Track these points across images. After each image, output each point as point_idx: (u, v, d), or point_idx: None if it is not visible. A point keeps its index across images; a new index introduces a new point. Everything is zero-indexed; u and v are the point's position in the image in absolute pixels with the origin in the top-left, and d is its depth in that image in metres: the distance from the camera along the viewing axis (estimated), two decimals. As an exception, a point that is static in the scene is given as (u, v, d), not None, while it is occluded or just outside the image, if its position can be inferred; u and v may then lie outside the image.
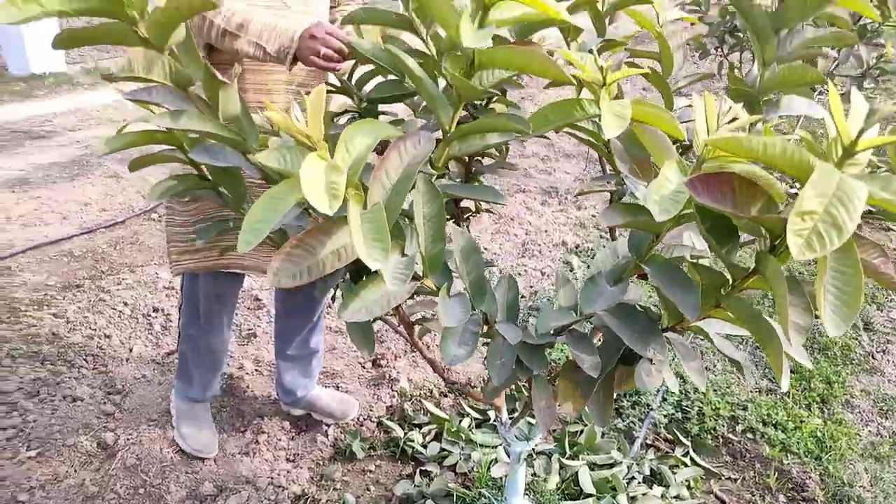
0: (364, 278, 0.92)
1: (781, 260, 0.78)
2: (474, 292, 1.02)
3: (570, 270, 3.21)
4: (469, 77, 0.92)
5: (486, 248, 3.36)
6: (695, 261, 0.92)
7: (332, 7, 1.73)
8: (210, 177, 1.11)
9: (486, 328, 1.02)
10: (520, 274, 3.14)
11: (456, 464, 1.94)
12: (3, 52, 7.03)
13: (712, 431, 2.16)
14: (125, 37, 0.83)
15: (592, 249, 3.44)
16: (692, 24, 1.79)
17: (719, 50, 4.38)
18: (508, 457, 1.91)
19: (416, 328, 1.21)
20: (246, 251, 0.72)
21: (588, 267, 3.23)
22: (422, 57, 1.10)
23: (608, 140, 1.07)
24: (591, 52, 1.43)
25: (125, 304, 2.67)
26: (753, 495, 1.94)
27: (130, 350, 2.40)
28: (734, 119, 0.86)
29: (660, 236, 0.91)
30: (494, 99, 1.18)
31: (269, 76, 1.58)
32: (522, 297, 2.93)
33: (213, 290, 1.81)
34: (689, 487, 1.93)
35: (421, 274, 0.95)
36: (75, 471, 1.86)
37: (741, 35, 3.65)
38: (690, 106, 1.72)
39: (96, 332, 2.47)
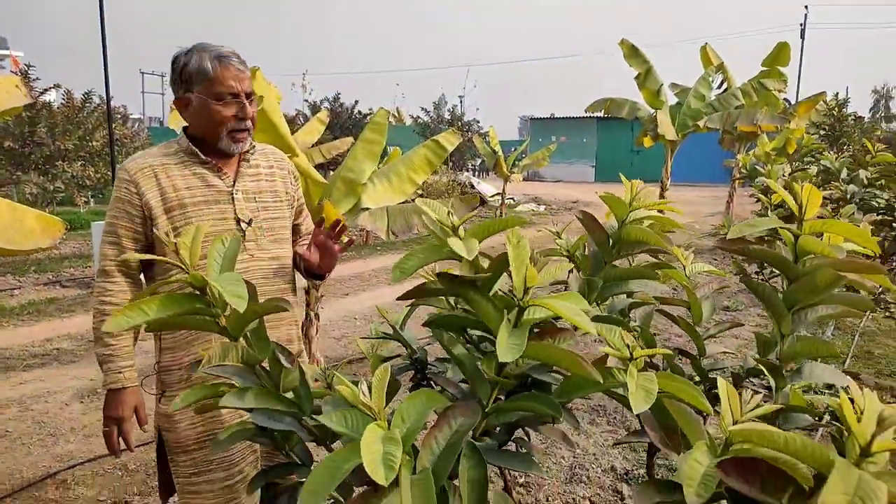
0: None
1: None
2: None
3: (622, 500, 3.08)
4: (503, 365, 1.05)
5: (531, 473, 3.29)
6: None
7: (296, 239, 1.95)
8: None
9: None
10: (568, 503, 3.03)
11: None
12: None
13: None
14: (208, 326, 1.00)
15: (644, 476, 3.31)
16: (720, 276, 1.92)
17: (760, 275, 4.54)
18: None
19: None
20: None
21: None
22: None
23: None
24: (622, 312, 1.56)
25: (169, 525, 2.68)
26: None
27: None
28: (757, 406, 0.94)
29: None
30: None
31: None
32: (571, 532, 2.81)
33: None
34: None
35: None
36: None
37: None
38: (724, 353, 1.80)
39: (137, 557, 2.46)
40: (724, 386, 0.96)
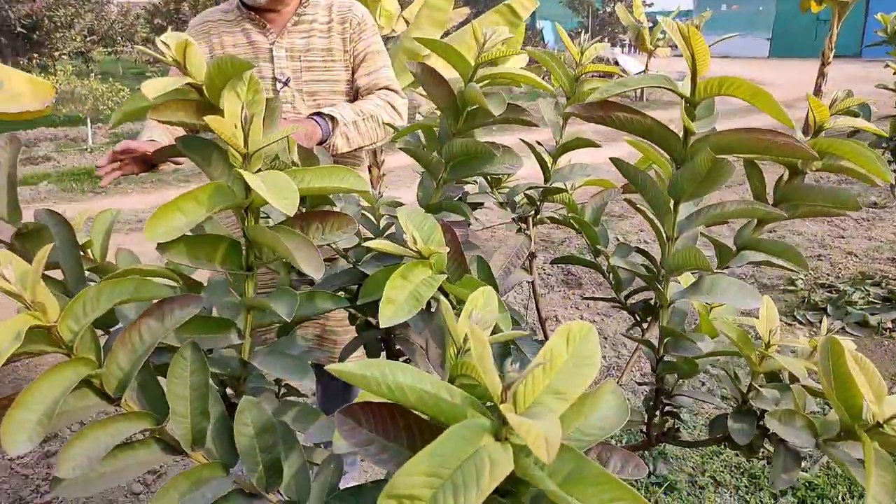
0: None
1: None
2: (268, 476, 0.90)
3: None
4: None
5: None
6: None
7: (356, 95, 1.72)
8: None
9: None
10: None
11: None
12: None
13: None
14: None
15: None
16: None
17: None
18: None
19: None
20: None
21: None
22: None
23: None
24: (531, 199, 1.28)
25: None
26: None
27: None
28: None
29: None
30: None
31: None
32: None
33: None
34: None
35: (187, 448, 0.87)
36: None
37: None
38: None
39: None
40: (467, 325, 0.71)
